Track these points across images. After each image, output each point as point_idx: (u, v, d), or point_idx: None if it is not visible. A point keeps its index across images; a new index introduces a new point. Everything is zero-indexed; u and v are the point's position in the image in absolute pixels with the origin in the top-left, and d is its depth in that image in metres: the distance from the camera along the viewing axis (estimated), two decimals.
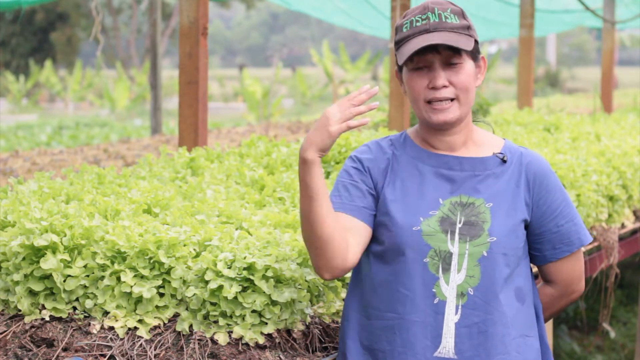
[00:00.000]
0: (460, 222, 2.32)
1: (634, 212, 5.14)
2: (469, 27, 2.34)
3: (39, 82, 31.57)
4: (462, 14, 2.34)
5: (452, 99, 2.32)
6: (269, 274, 2.54)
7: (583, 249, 2.49)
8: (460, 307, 2.30)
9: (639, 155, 5.43)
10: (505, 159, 2.38)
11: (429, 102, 2.33)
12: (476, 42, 2.36)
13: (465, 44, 2.30)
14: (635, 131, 6.72)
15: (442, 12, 2.32)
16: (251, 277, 2.53)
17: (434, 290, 2.30)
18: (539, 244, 2.41)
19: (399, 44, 2.35)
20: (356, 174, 2.39)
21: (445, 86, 2.31)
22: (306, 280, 2.67)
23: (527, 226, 2.39)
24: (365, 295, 2.40)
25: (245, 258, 2.55)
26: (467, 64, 2.34)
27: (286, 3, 11.14)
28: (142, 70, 29.51)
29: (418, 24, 2.32)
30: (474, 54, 2.36)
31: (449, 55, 2.31)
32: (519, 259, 2.36)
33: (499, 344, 2.30)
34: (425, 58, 2.31)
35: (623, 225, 4.95)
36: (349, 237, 2.31)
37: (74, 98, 30.50)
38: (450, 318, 2.30)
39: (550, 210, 2.38)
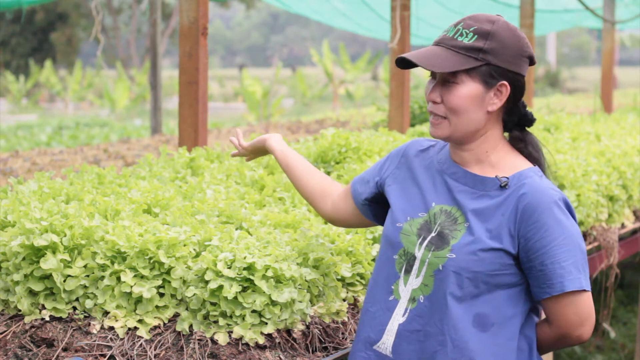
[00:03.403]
0: (435, 232, 2.32)
1: (634, 212, 5.14)
2: (479, 50, 2.24)
3: (39, 82, 31.60)
4: (486, 36, 2.24)
5: (444, 117, 2.30)
6: (269, 274, 2.54)
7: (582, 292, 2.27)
8: (409, 310, 2.32)
9: (639, 155, 5.43)
10: (504, 184, 2.30)
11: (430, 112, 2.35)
12: (496, 66, 2.25)
13: (449, 65, 2.23)
14: (635, 131, 6.72)
15: (462, 29, 2.27)
16: (251, 277, 2.53)
17: (392, 287, 2.36)
18: (529, 278, 2.31)
19: None
20: (379, 167, 2.56)
21: (436, 102, 2.29)
22: (306, 280, 2.67)
23: (517, 257, 2.30)
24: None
25: (245, 258, 2.55)
26: (465, 86, 2.26)
27: (286, 6, 11.13)
28: (142, 70, 29.53)
29: (443, 34, 2.31)
30: (485, 78, 2.26)
31: (445, 73, 2.27)
32: (489, 285, 2.27)
33: (428, 358, 2.28)
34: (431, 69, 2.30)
35: (623, 225, 4.95)
36: (331, 196, 2.65)
37: (74, 98, 30.52)
38: (397, 318, 2.33)
39: (537, 247, 2.26)
